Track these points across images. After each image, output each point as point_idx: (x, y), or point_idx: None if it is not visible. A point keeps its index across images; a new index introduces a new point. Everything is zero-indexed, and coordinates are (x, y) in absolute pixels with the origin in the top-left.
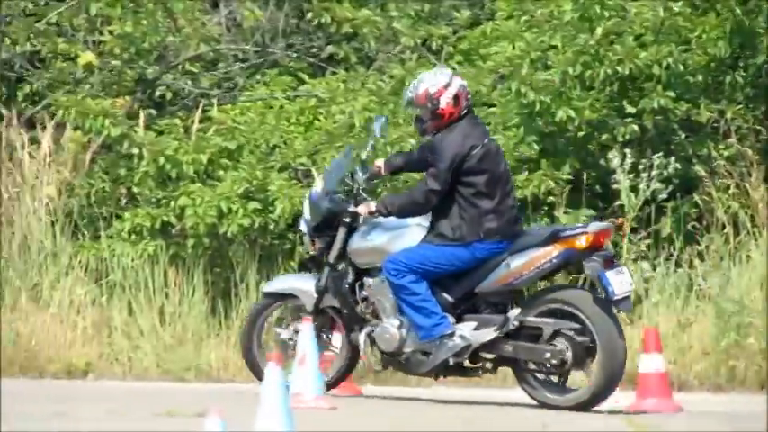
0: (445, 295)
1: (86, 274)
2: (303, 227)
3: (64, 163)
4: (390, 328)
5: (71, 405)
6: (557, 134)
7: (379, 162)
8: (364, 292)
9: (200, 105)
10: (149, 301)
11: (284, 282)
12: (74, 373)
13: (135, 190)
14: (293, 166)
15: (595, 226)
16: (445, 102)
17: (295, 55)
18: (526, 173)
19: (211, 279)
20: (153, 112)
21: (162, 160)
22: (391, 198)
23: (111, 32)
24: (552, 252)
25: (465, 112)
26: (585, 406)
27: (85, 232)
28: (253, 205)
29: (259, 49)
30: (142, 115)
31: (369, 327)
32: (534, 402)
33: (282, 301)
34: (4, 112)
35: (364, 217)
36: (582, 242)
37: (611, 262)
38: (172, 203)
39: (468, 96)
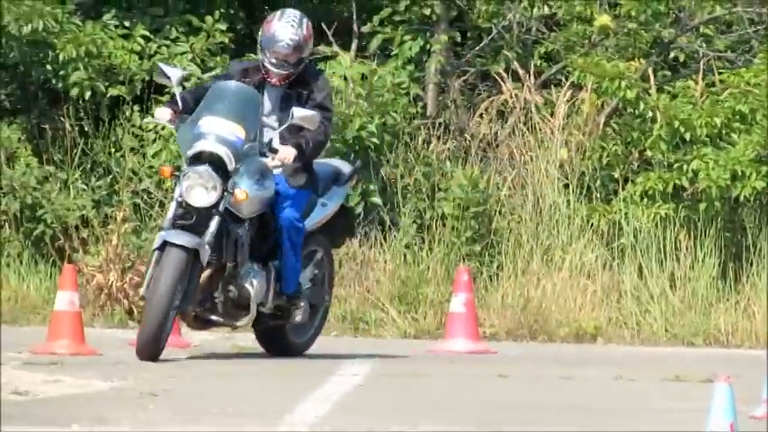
0: None
1: (597, 237)
2: None
3: (577, 125)
4: None
5: (579, 369)
6: None
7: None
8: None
9: (715, 68)
10: (660, 265)
11: None
12: (582, 338)
13: (648, 153)
14: None
15: None
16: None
17: None
18: None
19: (723, 243)
20: (667, 74)
21: (676, 123)
22: (303, 140)
23: None
24: None
25: None
26: None
27: (598, 195)
28: (765, 168)
29: None
30: (653, 78)
31: None
32: None
33: None
34: (521, 72)
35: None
36: None
37: None
38: (684, 167)
39: None
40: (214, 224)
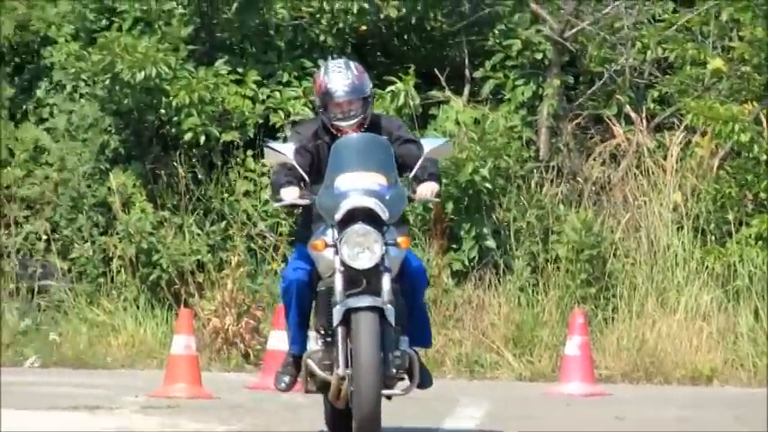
0: None
1: (712, 279)
2: None
3: (691, 168)
4: None
5: (696, 411)
6: None
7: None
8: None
9: None
10: None
11: None
12: (698, 380)
13: (762, 195)
14: None
15: None
16: None
17: None
18: None
19: None
20: None
21: None
22: (435, 171)
23: (741, 38)
24: None
25: None
26: None
27: (712, 237)
28: None
29: None
30: (766, 121)
31: None
32: None
33: None
34: (633, 115)
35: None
36: None
37: None
38: None
39: None
40: (387, 281)
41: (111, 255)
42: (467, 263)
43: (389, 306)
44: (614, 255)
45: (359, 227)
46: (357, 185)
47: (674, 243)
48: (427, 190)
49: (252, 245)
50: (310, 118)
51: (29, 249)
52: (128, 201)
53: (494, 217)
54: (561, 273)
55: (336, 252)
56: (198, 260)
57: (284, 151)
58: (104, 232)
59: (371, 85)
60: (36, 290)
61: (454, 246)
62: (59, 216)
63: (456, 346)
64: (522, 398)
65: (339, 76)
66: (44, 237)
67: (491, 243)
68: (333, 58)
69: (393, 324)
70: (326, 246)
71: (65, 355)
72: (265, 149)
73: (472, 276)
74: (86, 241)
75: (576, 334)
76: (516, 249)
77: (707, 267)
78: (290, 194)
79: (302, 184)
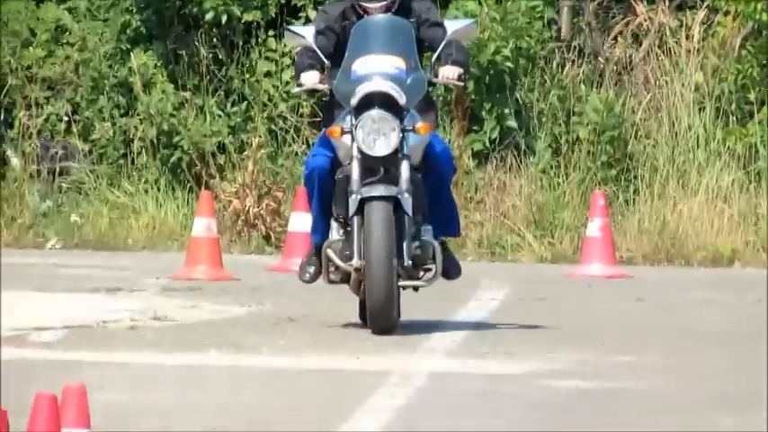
0: None
1: (734, 160)
2: None
3: (713, 48)
4: None
5: (717, 293)
6: None
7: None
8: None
9: None
10: None
11: None
12: (719, 261)
13: None
14: None
15: None
16: None
17: None
18: None
19: None
20: None
21: None
22: (460, 56)
23: None
24: None
25: None
26: None
27: (734, 118)
28: None
29: None
30: None
31: None
32: None
33: None
34: None
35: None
36: None
37: None
38: None
39: None
40: (405, 169)
41: (131, 136)
42: (488, 144)
43: (406, 195)
44: (635, 136)
45: (375, 112)
46: (374, 69)
47: (696, 124)
48: (450, 72)
49: (273, 126)
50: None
51: (50, 130)
52: (149, 81)
53: (516, 97)
54: (582, 154)
55: (353, 139)
56: (219, 142)
57: (304, 34)
58: (125, 113)
59: None
60: (57, 171)
61: (475, 127)
62: (80, 97)
63: (477, 228)
64: (543, 279)
65: None
66: (65, 118)
67: (513, 123)
68: None
69: (410, 213)
70: (343, 132)
71: (86, 237)
72: (285, 33)
73: (493, 158)
74: (107, 122)
75: (597, 216)
76: (538, 131)
77: (728, 148)
78: (310, 79)
79: (324, 68)
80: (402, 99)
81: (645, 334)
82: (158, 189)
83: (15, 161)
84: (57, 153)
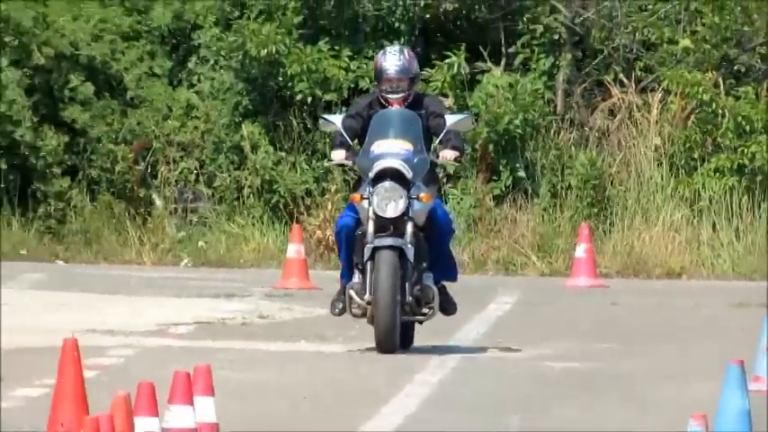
0: None
1: (683, 201)
2: None
3: (667, 120)
4: None
5: (669, 299)
6: None
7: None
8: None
9: None
10: (728, 222)
11: None
12: (671, 275)
13: (719, 140)
14: None
15: None
16: None
17: None
18: None
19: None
20: (733, 81)
21: (739, 118)
22: (457, 142)
23: (704, 24)
24: None
25: None
26: None
27: (683, 171)
28: None
29: None
30: (722, 85)
31: None
32: None
33: None
34: (625, 81)
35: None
36: None
37: None
38: (746, 150)
39: None
40: (410, 227)
41: (242, 184)
42: (504, 189)
43: (409, 246)
44: (611, 184)
45: (387, 183)
46: (388, 150)
47: (655, 175)
48: (449, 154)
49: (345, 177)
50: (371, 92)
51: (183, 180)
52: (255, 145)
53: (524, 155)
54: (572, 197)
55: (369, 203)
56: (306, 188)
57: (334, 120)
58: (238, 167)
59: (418, 69)
60: (189, 210)
61: (495, 177)
62: (205, 156)
63: (495, 251)
64: (543, 288)
65: (393, 57)
66: (194, 171)
67: (522, 174)
68: (392, 44)
69: (412, 261)
70: (362, 198)
71: (209, 258)
72: (320, 120)
73: (508, 200)
74: (225, 174)
75: (583, 242)
76: (540, 180)
77: (679, 192)
78: (338, 156)
79: (350, 147)
80: (409, 174)
81: (618, 329)
82: (262, 223)
83: (159, 202)
84: (188, 197)
